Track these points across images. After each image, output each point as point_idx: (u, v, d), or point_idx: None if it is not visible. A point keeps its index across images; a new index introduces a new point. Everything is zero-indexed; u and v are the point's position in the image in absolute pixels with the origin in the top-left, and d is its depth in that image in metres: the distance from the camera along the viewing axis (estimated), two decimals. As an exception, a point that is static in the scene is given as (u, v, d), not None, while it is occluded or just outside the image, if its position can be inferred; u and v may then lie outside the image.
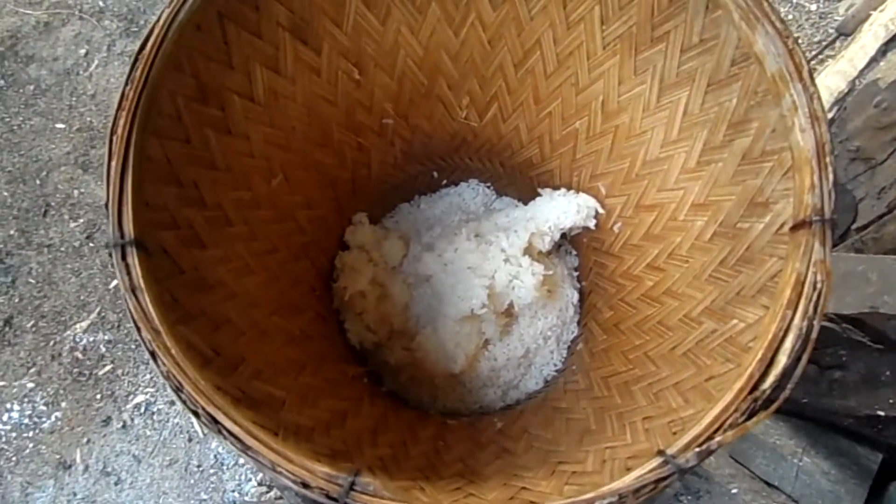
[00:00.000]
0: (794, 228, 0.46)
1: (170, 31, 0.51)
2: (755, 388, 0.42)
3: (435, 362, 0.80)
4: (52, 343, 1.20)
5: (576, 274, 0.91)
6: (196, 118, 0.58)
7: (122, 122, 0.48)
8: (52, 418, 1.15)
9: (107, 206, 0.46)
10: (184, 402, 0.42)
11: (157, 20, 0.50)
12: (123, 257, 0.45)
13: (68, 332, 1.21)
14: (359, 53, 0.72)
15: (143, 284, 0.45)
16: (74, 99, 1.37)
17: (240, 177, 0.65)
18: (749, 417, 0.41)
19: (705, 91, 0.60)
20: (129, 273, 0.45)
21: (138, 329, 0.44)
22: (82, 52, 1.42)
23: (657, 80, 0.65)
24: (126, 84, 0.49)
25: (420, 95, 0.80)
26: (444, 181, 0.96)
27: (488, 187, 0.97)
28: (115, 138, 0.48)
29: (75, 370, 1.18)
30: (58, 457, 1.12)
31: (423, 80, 0.78)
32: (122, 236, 0.46)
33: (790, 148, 0.48)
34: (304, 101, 0.70)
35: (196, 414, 0.42)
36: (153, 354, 0.43)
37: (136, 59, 0.49)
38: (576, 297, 0.87)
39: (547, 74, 0.75)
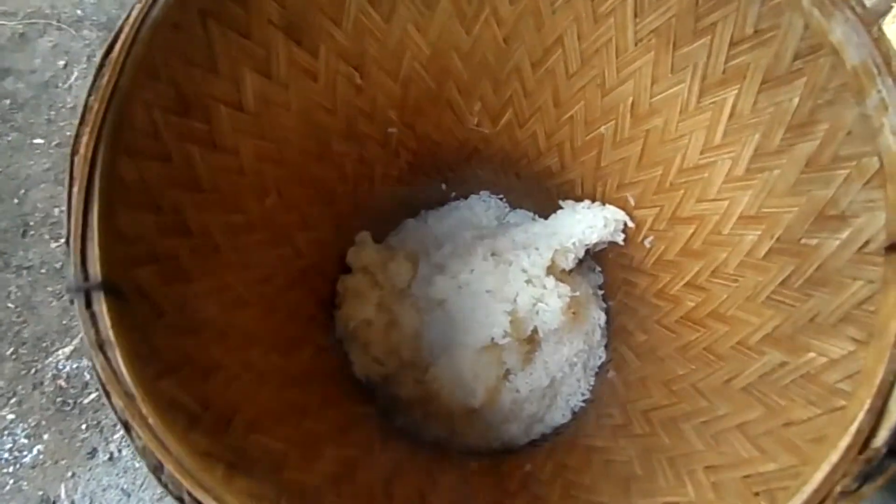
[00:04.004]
0: (891, 249, 0.39)
1: (141, 32, 0.43)
2: (865, 445, 0.34)
3: (451, 396, 0.72)
4: (32, 371, 1.12)
5: (601, 293, 0.83)
6: (177, 132, 0.50)
7: (85, 139, 0.40)
8: (34, 451, 1.07)
9: (67, 241, 0.39)
10: (164, 486, 0.34)
11: (127, 18, 0.43)
12: (88, 305, 0.37)
13: (50, 360, 1.12)
14: (360, 55, 0.64)
15: (113, 337, 0.37)
16: (53, 113, 1.30)
17: (229, 197, 0.57)
18: (861, 485, 0.34)
19: (758, 90, 0.53)
20: (95, 325, 0.37)
21: (107, 395, 0.36)
22: (61, 63, 1.35)
23: (698, 79, 0.58)
24: (90, 94, 0.41)
25: (427, 101, 0.73)
26: (453, 194, 0.89)
27: (500, 199, 0.89)
28: (77, 159, 0.40)
29: (58, 399, 1.10)
30: (41, 493, 1.04)
31: (431, 84, 0.71)
32: (87, 278, 0.38)
33: (878, 153, 0.41)
34: (299, 109, 0.62)
35: (181, 501, 0.34)
36: (126, 426, 0.35)
37: (101, 65, 0.41)
38: (603, 318, 0.80)
39: (569, 75, 0.67)
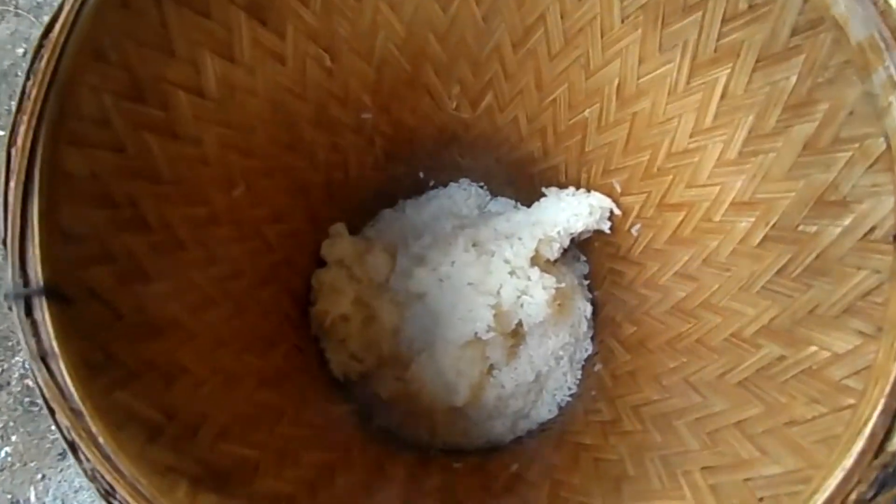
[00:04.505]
0: (901, 236, 0.36)
1: (84, 9, 0.39)
2: (880, 449, 0.32)
3: (433, 394, 0.69)
4: (-1, 371, 1.08)
5: (586, 283, 0.80)
6: (130, 120, 0.45)
7: (23, 129, 0.36)
8: (2, 454, 1.02)
9: (4, 242, 0.35)
10: (116, 514, 0.31)
11: (67, -6, 0.38)
12: (29, 312, 0.33)
13: (17, 358, 1.07)
14: (330, 36, 0.60)
15: (56, 348, 0.33)
16: (13, 103, 1.24)
17: (192, 190, 0.53)
18: (878, 493, 0.31)
19: (752, 68, 0.50)
20: (36, 334, 0.33)
21: (51, 412, 0.32)
22: (20, 51, 1.28)
23: (688, 58, 0.55)
24: (27, 79, 0.37)
25: (403, 85, 0.69)
26: (432, 182, 0.86)
27: (481, 187, 0.86)
28: (13, 151, 0.36)
29: (26, 399, 1.05)
30: (9, 496, 1.00)
31: (406, 67, 0.67)
32: (27, 283, 0.34)
33: (885, 134, 0.38)
34: (266, 95, 0.58)
35: (135, 531, 0.30)
36: (72, 447, 0.31)
37: (39, 47, 0.37)
38: (589, 309, 0.77)
39: (552, 55, 0.64)
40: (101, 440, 0.32)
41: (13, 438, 1.03)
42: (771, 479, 0.40)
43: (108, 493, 0.31)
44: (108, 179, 0.44)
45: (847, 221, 0.43)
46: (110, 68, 0.43)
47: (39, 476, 1.01)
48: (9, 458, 1.02)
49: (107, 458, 0.32)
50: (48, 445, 1.02)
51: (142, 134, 0.47)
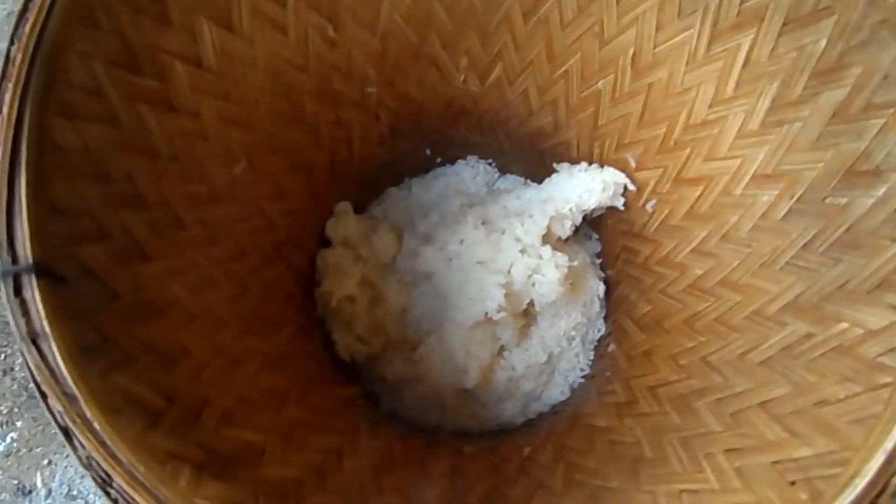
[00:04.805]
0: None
1: (72, -31, 0.36)
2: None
3: (442, 376, 0.67)
4: (2, 356, 1.06)
5: (598, 261, 0.78)
6: (125, 91, 0.43)
7: (8, 97, 0.34)
8: (8, 440, 1.01)
9: (-10, 217, 0.33)
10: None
11: (53, -47, 0.36)
12: (18, 291, 0.31)
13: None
14: (333, 5, 0.57)
15: (48, 328, 0.31)
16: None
17: (191, 166, 0.51)
18: (920, 478, 0.29)
19: (778, 33, 0.47)
20: (26, 314, 0.31)
21: (43, 397, 0.30)
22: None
23: (709, 24, 0.52)
24: (11, 42, 0.34)
25: (408, 56, 0.66)
26: (439, 159, 0.83)
27: (490, 164, 0.84)
28: (-1, 120, 0.34)
29: (30, 385, 1.05)
30: (16, 482, 0.99)
31: (412, 38, 0.64)
32: (15, 260, 0.32)
33: (926, 97, 0.36)
34: (266, 66, 0.56)
35: (132, 521, 0.29)
36: (66, 433, 0.30)
37: (24, 9, 0.35)
38: (602, 288, 0.75)
39: (564, 24, 0.61)
40: (96, 425, 0.30)
41: (18, 424, 1.02)
42: (802, 461, 0.38)
43: (104, 482, 0.29)
44: (102, 153, 0.42)
45: (881, 192, 0.41)
46: (101, 34, 0.40)
47: (46, 461, 0.99)
48: (14, 444, 1.01)
49: (102, 444, 0.30)
50: (54, 431, 0.99)
51: (137, 106, 0.45)
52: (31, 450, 1.00)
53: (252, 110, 0.57)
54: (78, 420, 0.30)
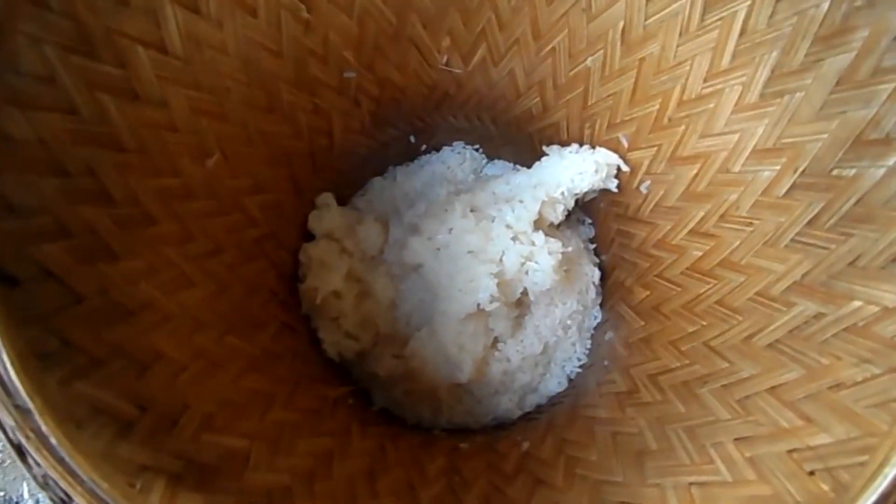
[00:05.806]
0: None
1: (13, -58, 0.33)
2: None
3: (435, 371, 0.65)
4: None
5: (592, 247, 0.76)
6: (82, 78, 0.40)
7: (-55, 84, 0.31)
8: (-8, 449, 0.99)
9: (-70, 217, 0.29)
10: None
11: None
12: (-38, 297, 0.29)
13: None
14: (306, -16, 0.54)
15: (-5, 337, 0.28)
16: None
17: (160, 158, 0.48)
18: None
19: (777, -2, 0.45)
20: (-29, 322, 0.28)
21: (-9, 412, 0.27)
22: None
23: (702, -9, 0.50)
24: (-54, 25, 0.31)
25: (388, 38, 0.63)
26: (423, 146, 0.80)
27: (476, 150, 0.81)
28: (-64, 111, 0.30)
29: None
30: (2, 494, 0.96)
31: (391, 18, 0.61)
32: (-41, 263, 0.29)
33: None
34: (237, 51, 0.53)
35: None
36: (19, 450, 0.27)
37: (-40, -14, 0.32)
38: (597, 274, 0.72)
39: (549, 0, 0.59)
40: (53, 440, 0.27)
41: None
42: (820, 449, 0.36)
43: (63, 503, 0.26)
44: (59, 145, 0.38)
45: (892, 161, 0.39)
46: (52, 16, 0.37)
47: (31, 472, 0.97)
48: (0, 455, 0.99)
49: (60, 460, 0.27)
50: (39, 440, 0.98)
51: (96, 94, 0.41)
52: (16, 461, 0.97)
53: (224, 99, 0.54)
54: (32, 435, 0.27)
